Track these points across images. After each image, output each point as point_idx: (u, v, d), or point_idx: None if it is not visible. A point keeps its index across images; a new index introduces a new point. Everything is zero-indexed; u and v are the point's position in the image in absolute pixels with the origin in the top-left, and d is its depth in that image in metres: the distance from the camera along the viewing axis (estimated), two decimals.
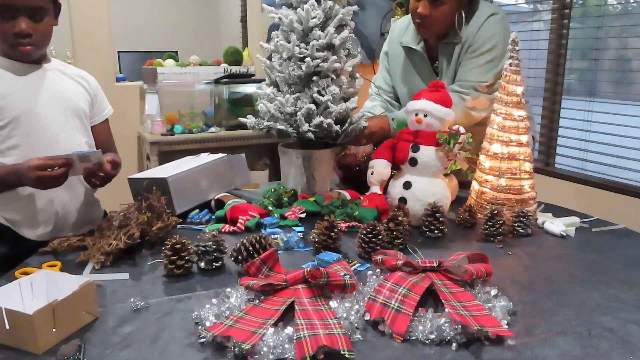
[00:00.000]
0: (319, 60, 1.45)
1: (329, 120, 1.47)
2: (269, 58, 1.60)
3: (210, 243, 1.12)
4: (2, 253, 1.34)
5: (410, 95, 1.75)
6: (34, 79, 1.39)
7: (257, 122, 1.59)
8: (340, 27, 1.52)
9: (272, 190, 1.56)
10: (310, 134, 1.48)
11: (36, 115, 1.36)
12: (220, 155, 1.65)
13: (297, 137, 1.53)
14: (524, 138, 1.42)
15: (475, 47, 1.64)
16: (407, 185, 1.39)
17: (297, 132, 1.50)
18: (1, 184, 1.31)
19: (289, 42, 1.48)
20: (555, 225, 1.37)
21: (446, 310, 0.89)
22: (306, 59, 1.44)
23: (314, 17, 1.46)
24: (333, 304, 0.91)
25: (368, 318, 0.90)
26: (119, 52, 4.60)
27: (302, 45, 1.48)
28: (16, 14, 1.29)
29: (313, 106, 1.47)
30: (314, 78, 1.48)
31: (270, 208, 1.49)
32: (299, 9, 1.47)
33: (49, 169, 1.22)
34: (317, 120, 1.46)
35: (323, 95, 1.48)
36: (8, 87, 1.34)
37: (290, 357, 0.78)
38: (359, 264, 1.16)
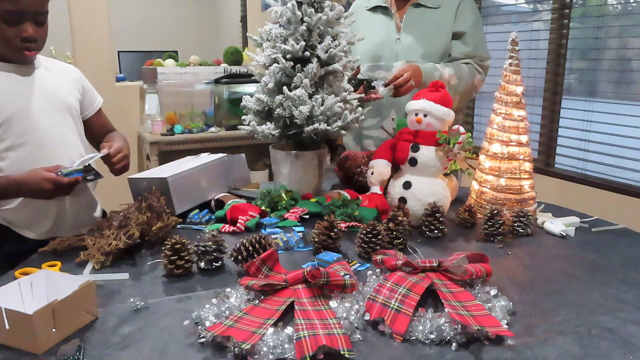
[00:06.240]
0: (314, 61, 1.45)
1: (321, 119, 1.45)
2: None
3: (210, 243, 1.12)
4: (2, 252, 1.34)
5: (371, 53, 1.87)
6: (23, 79, 1.37)
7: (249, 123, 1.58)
8: (336, 27, 1.51)
9: (266, 192, 1.52)
10: (301, 135, 1.47)
11: (28, 116, 1.34)
12: (220, 155, 1.65)
13: (287, 138, 1.52)
14: (524, 138, 1.42)
15: (464, 24, 1.81)
16: (407, 185, 1.39)
17: (286, 132, 1.49)
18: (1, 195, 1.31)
19: (282, 39, 1.47)
20: (555, 225, 1.37)
21: (446, 310, 0.89)
22: (299, 57, 1.43)
23: (311, 16, 1.46)
24: (333, 304, 0.91)
25: (368, 318, 0.90)
26: (119, 52, 4.61)
27: (298, 44, 1.47)
28: (22, 19, 1.29)
29: (305, 108, 1.46)
30: (307, 79, 1.47)
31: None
32: (296, 9, 1.46)
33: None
34: (308, 121, 1.45)
35: (316, 95, 1.47)
36: None
37: (290, 357, 0.78)
38: (359, 264, 1.16)
